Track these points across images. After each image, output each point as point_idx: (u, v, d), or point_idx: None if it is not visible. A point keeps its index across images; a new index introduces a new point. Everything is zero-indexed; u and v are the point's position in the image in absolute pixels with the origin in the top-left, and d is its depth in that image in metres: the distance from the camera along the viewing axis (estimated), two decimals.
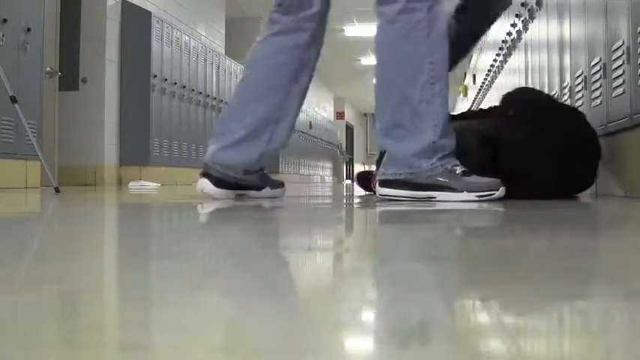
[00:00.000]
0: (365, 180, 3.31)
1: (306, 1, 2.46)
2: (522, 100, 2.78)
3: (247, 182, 2.54)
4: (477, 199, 2.21)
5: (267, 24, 2.55)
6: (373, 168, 3.05)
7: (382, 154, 2.56)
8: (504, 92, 2.91)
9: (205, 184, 2.48)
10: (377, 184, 2.41)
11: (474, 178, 2.24)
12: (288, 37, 2.48)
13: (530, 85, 4.99)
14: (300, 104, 2.58)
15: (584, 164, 2.57)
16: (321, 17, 2.51)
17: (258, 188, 2.59)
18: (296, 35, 2.47)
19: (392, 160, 2.34)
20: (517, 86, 3.27)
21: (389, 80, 2.34)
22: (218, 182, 2.47)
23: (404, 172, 2.29)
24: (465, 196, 2.21)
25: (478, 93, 10.19)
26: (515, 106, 2.70)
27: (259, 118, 2.47)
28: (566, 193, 2.59)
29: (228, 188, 2.50)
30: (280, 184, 2.74)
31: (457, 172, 2.24)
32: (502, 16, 2.78)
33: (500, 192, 2.23)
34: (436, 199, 2.24)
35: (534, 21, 4.74)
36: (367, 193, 3.21)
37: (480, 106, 3.49)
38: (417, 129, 2.26)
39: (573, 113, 2.76)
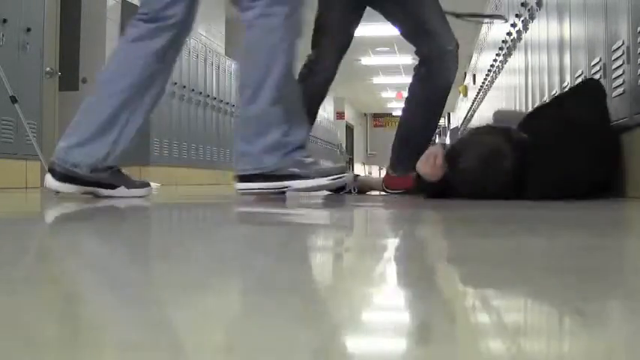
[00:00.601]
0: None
1: (168, 12, 2.50)
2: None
3: (96, 179, 2.52)
4: (329, 182, 2.36)
5: (127, 27, 2.58)
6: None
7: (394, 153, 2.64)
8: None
9: (48, 178, 2.51)
10: (236, 179, 2.49)
11: (322, 164, 2.39)
12: (146, 43, 2.51)
13: (529, 85, 4.99)
14: (149, 112, 2.61)
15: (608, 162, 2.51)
16: (183, 25, 2.57)
17: (110, 186, 2.57)
18: (153, 42, 2.50)
19: (241, 158, 2.45)
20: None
21: (244, 83, 2.48)
22: (63, 177, 2.47)
23: (251, 168, 2.40)
24: (318, 181, 2.34)
25: (478, 93, 10.19)
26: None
27: (108, 117, 2.49)
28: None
29: (74, 183, 2.50)
30: (144, 184, 2.71)
31: (307, 162, 2.37)
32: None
33: (349, 175, 2.43)
34: (291, 187, 2.36)
35: (534, 21, 4.74)
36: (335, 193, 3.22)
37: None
38: (263, 126, 2.38)
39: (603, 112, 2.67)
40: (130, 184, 2.65)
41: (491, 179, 2.27)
